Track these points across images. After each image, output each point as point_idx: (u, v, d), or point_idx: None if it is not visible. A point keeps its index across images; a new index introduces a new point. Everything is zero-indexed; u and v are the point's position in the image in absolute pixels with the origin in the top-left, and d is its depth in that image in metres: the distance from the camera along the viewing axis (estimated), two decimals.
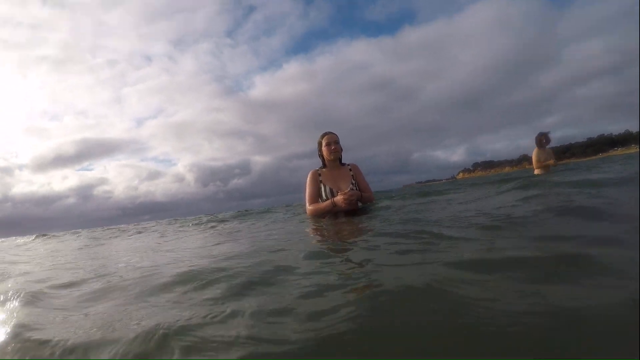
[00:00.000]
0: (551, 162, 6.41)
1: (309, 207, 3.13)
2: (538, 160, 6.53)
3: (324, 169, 3.26)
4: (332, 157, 3.17)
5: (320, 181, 3.17)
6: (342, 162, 3.32)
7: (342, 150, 3.27)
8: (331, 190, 3.08)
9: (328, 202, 3.00)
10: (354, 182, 3.15)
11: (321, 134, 3.28)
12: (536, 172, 6.59)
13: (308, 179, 3.21)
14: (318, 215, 3.08)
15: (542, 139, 6.49)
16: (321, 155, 3.27)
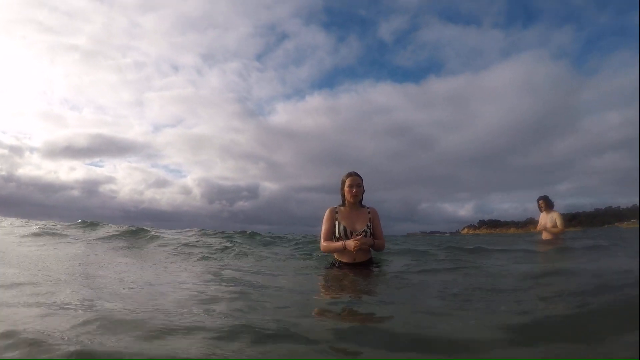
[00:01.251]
0: (556, 230, 6.39)
1: (322, 244, 3.25)
2: (543, 225, 6.58)
3: (342, 207, 3.32)
4: (352, 200, 3.23)
5: (337, 219, 3.24)
6: (363, 204, 3.37)
7: (363, 192, 3.32)
8: (345, 229, 3.15)
9: (339, 243, 3.11)
10: (369, 224, 3.20)
11: (346, 173, 3.32)
12: (543, 237, 6.67)
13: (325, 215, 3.28)
14: (331, 252, 3.27)
15: (540, 204, 6.59)
16: (342, 195, 3.31)
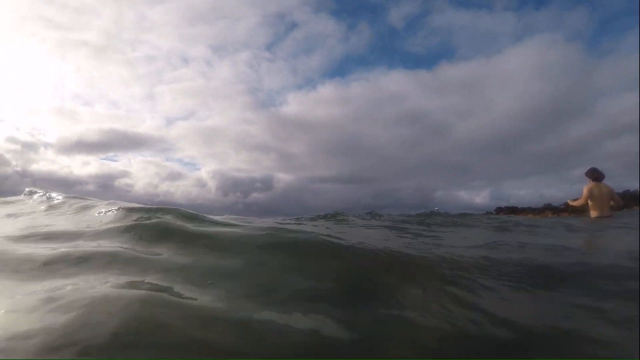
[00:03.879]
0: (618, 203, 5.65)
1: None
2: (599, 197, 5.54)
3: None
4: None
5: None
6: None
7: None
8: None
9: None
10: None
11: None
12: (593, 214, 5.67)
13: None
14: None
15: (596, 172, 5.69)
16: None
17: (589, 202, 5.63)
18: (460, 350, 1.18)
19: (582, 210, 6.39)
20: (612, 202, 5.60)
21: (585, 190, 5.67)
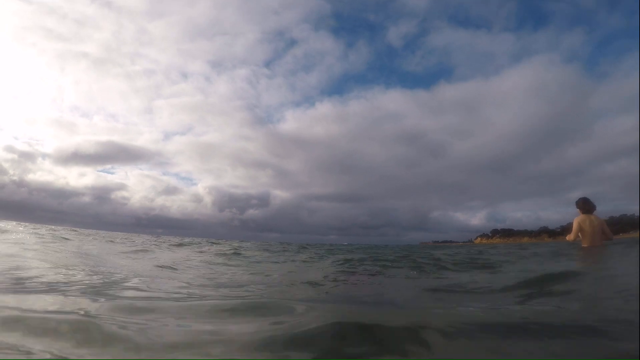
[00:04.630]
0: (608, 234, 5.55)
1: None
2: (590, 230, 5.49)
3: None
4: None
5: None
6: None
7: None
8: None
9: None
10: None
11: None
12: (585, 244, 5.59)
13: None
14: None
15: (580, 205, 5.62)
16: None
17: (580, 235, 5.59)
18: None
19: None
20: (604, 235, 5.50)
21: (575, 224, 5.61)
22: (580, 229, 5.56)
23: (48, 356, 1.13)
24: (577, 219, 5.61)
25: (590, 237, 5.48)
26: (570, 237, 5.73)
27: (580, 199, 5.70)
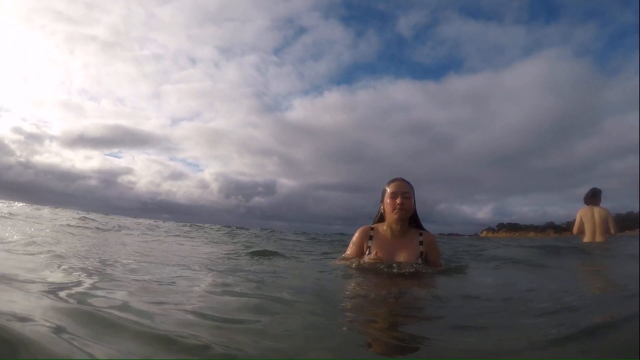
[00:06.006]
0: (611, 229, 4.97)
1: (340, 261, 2.31)
2: (592, 223, 5.03)
3: (381, 228, 2.31)
4: (395, 216, 2.18)
5: (369, 246, 2.25)
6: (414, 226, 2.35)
7: (414, 208, 2.27)
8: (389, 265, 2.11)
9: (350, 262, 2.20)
10: (420, 262, 2.16)
11: (389, 180, 2.33)
12: (585, 239, 5.13)
13: (355, 237, 2.34)
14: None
15: (592, 194, 5.16)
16: (381, 210, 2.31)
17: (585, 227, 5.11)
18: None
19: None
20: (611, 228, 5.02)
21: (577, 216, 5.22)
22: (583, 220, 5.18)
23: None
24: (580, 210, 5.25)
25: (592, 229, 5.08)
26: (574, 230, 5.37)
27: (589, 190, 5.27)
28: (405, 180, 2.30)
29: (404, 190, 2.24)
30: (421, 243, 2.25)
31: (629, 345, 0.90)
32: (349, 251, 2.36)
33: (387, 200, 2.24)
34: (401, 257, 2.20)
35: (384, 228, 2.31)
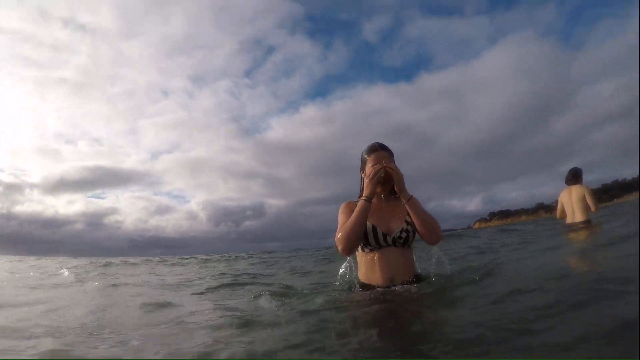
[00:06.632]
0: (591, 207, 4.82)
1: (338, 237, 1.99)
2: (569, 204, 4.97)
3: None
4: (380, 189, 2.08)
5: None
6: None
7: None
8: (375, 229, 2.00)
9: (360, 204, 2.00)
10: (409, 221, 2.04)
11: (368, 147, 2.18)
12: (568, 221, 5.05)
13: (340, 210, 2.15)
14: (355, 238, 1.96)
15: (569, 174, 5.11)
16: (364, 176, 2.16)
17: (565, 209, 5.09)
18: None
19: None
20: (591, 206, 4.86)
21: (559, 199, 5.22)
22: (562, 203, 5.15)
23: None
24: (561, 193, 5.18)
25: (570, 209, 5.03)
26: (557, 214, 5.32)
27: (569, 170, 5.16)
28: (384, 148, 2.13)
29: (384, 159, 2.07)
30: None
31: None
32: (342, 220, 2.07)
33: (369, 170, 2.06)
34: (392, 221, 2.04)
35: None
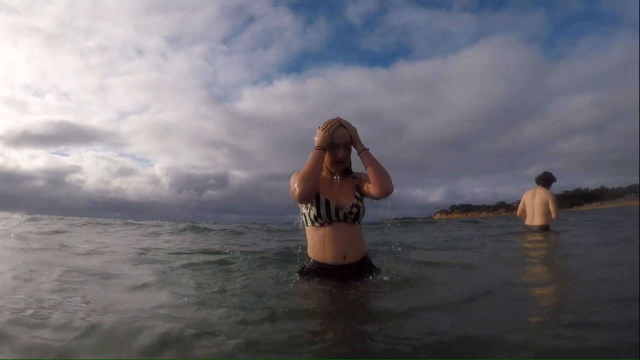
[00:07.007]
0: (552, 213, 4.90)
1: (295, 183, 1.92)
2: (530, 205, 5.06)
3: None
4: (334, 169, 2.08)
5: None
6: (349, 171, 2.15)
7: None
8: (328, 202, 1.98)
9: (313, 152, 1.97)
10: (358, 196, 2.06)
11: (327, 121, 2.05)
12: (527, 222, 5.12)
13: (292, 178, 2.02)
14: (314, 181, 1.91)
15: (540, 176, 5.10)
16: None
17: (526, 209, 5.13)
18: None
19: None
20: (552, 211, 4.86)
21: (522, 198, 5.23)
22: (525, 203, 5.14)
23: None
24: (525, 192, 5.20)
25: (531, 211, 5.03)
26: (518, 212, 5.37)
27: (544, 172, 5.16)
28: (345, 126, 2.03)
29: (346, 141, 2.01)
30: (354, 178, 2.12)
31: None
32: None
33: (327, 153, 2.01)
34: (342, 197, 2.04)
35: (322, 171, 2.05)
